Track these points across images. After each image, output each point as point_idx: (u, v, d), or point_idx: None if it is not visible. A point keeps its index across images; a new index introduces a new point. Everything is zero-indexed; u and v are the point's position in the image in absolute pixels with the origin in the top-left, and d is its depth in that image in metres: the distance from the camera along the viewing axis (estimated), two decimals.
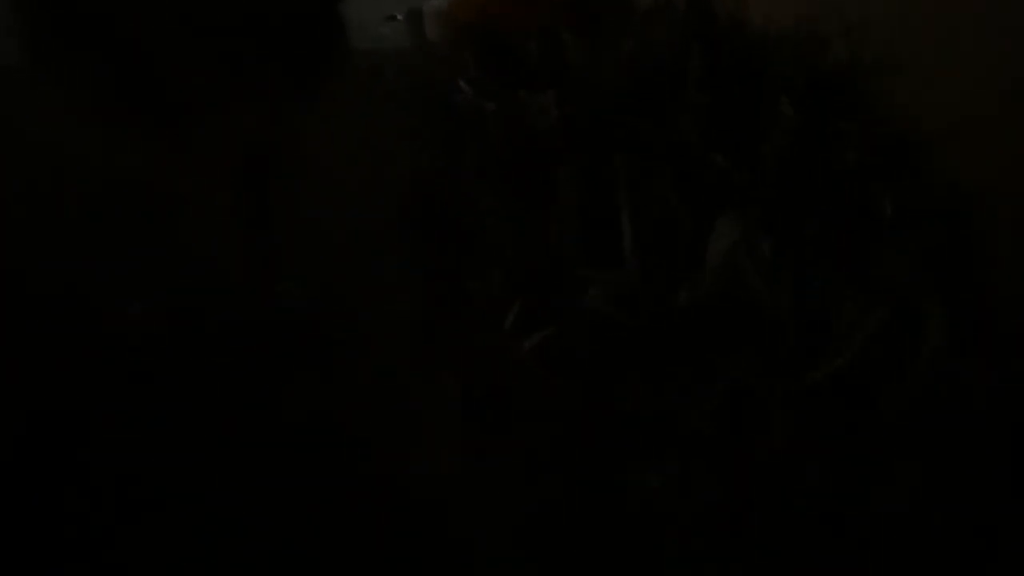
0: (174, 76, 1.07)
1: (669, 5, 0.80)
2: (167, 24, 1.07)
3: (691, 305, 0.65)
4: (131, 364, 1.08)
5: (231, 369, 1.10)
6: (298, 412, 1.10)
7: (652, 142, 0.69)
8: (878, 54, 0.78)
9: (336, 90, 1.22)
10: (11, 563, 0.93)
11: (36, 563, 0.92)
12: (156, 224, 1.15)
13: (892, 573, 0.67)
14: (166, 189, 1.12)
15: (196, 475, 1.03)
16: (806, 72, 0.73)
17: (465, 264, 0.78)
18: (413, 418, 0.87)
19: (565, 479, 0.73)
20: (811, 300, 0.65)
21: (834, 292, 0.65)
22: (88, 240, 1.16)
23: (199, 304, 1.16)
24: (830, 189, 0.67)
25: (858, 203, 0.67)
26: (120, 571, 0.92)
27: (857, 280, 0.65)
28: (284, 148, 1.18)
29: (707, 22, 0.77)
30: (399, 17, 1.77)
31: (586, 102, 0.73)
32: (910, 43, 0.94)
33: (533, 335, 0.70)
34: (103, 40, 1.07)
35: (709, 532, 0.69)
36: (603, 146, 0.71)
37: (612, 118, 0.71)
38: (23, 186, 1.19)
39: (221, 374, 1.10)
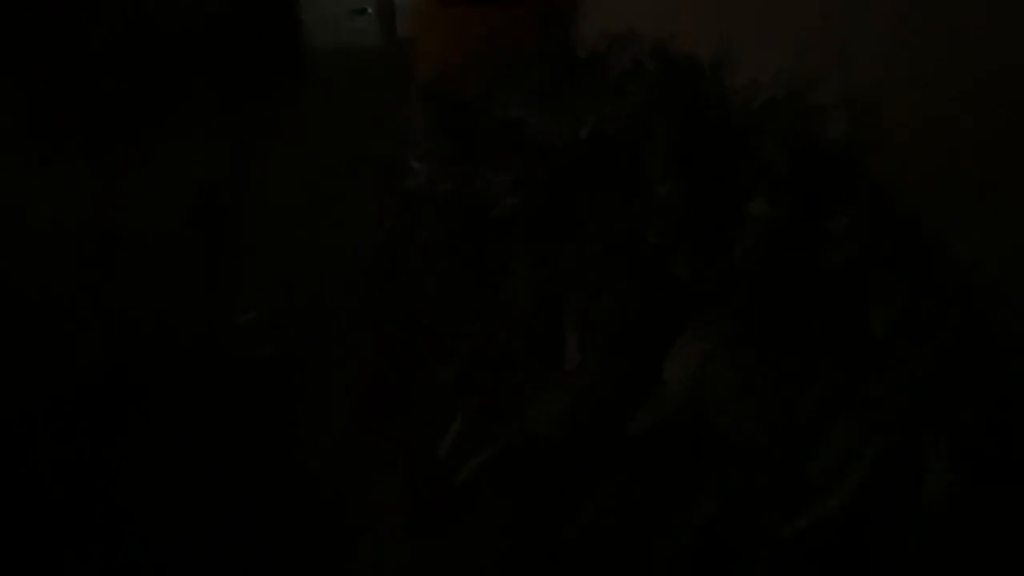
0: (116, 105, 1.00)
1: (641, 71, 0.70)
2: (105, 49, 1.00)
3: (648, 432, 0.56)
4: (78, 406, 1.04)
5: (183, 410, 1.06)
6: (250, 458, 1.04)
7: (609, 239, 0.60)
8: (886, 126, 0.69)
9: (294, 110, 1.16)
10: None
11: None
12: (103, 261, 1.09)
13: None
14: (113, 225, 1.06)
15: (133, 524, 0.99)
16: (794, 152, 0.63)
17: (414, 357, 0.70)
18: (360, 500, 0.80)
19: None
20: (790, 432, 0.56)
21: (818, 423, 0.55)
22: (34, 281, 1.10)
23: (148, 343, 1.11)
24: (815, 298, 0.58)
25: (848, 315, 0.58)
26: None
27: (846, 408, 0.56)
28: (237, 178, 1.11)
29: (681, 92, 0.67)
30: (369, 11, 1.66)
31: (542, 187, 0.64)
32: (926, 112, 0.85)
33: (473, 457, 0.61)
34: (37, 74, 1.02)
35: None
36: (556, 241, 0.62)
37: (567, 208, 0.62)
38: None
39: (172, 413, 1.06)
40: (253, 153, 1.06)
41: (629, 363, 0.57)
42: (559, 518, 0.59)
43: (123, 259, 1.06)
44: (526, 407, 0.59)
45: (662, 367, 0.56)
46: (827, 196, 0.62)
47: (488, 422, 0.61)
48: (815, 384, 0.56)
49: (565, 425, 0.57)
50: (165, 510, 0.93)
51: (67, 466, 0.99)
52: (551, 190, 0.64)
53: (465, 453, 0.62)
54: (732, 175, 0.61)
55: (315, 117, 1.17)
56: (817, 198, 0.61)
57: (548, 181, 0.65)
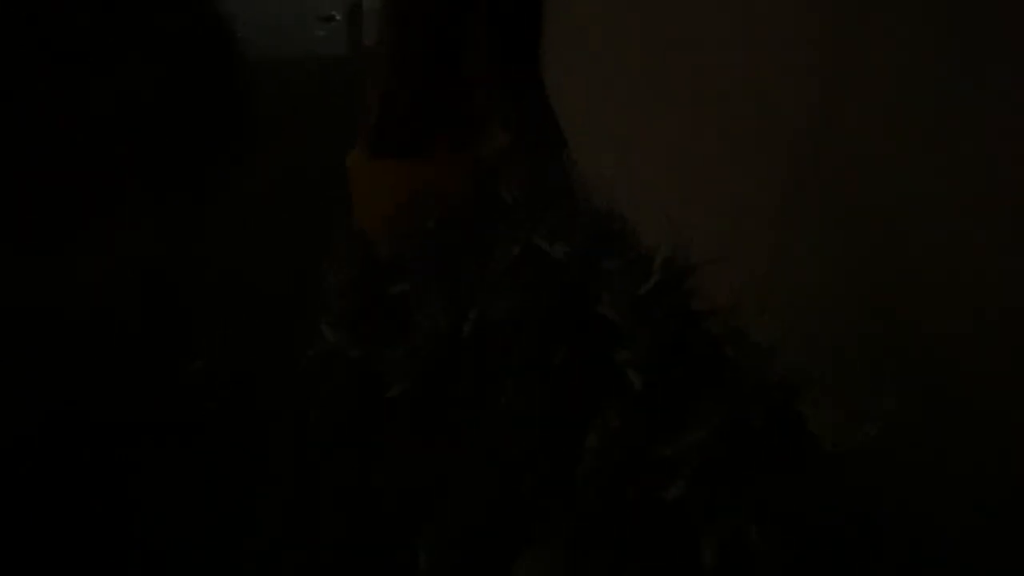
0: (41, 189, 1.02)
1: (532, 255, 0.74)
2: (40, 136, 1.02)
3: None
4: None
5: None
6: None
7: (464, 448, 0.64)
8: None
9: (243, 170, 1.17)
10: None
11: None
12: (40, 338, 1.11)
13: None
14: (54, 313, 1.09)
15: None
16: (655, 361, 0.67)
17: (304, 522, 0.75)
18: None
19: None
20: None
21: None
22: None
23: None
24: (652, 524, 0.61)
25: (682, 543, 0.61)
26: None
27: None
28: (184, 254, 1.14)
29: (563, 284, 0.70)
30: (337, 17, 1.62)
31: (423, 378, 0.68)
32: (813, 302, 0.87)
33: None
34: None
35: None
36: (422, 443, 0.66)
37: (438, 408, 0.66)
38: None
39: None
40: (187, 243, 1.08)
41: None
42: None
43: (63, 332, 1.08)
44: None
45: None
46: (682, 410, 0.65)
47: None
48: None
49: None
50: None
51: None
52: (429, 383, 0.68)
53: None
54: (588, 386, 0.65)
55: (253, 198, 1.19)
56: (670, 414, 0.65)
57: (429, 373, 0.69)
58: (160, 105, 1.06)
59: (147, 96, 1.04)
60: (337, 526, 0.68)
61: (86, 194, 1.06)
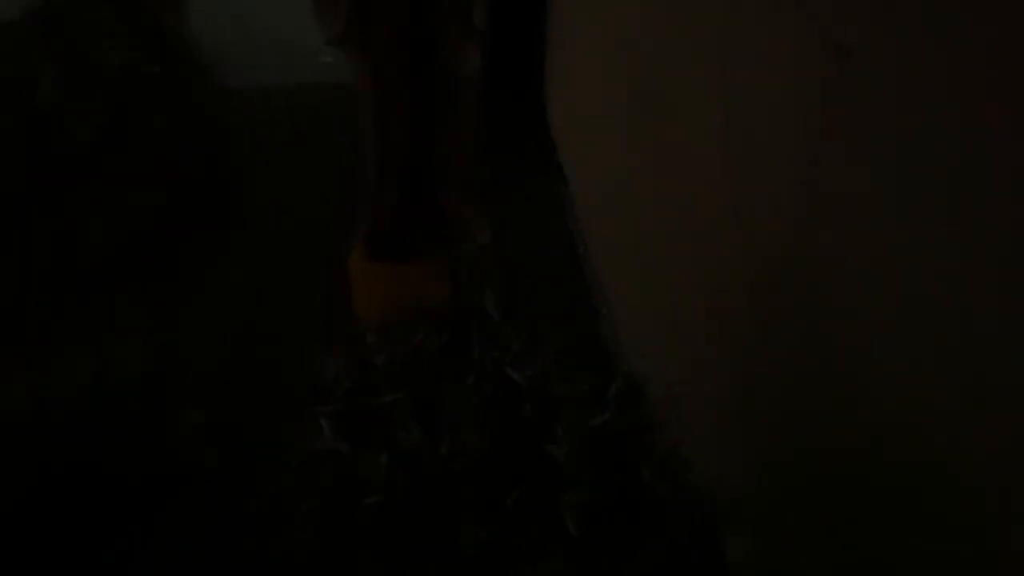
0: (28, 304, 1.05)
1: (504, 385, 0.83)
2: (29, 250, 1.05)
3: None
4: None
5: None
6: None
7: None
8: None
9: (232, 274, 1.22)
10: None
11: None
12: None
13: None
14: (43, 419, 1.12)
15: None
16: (597, 508, 0.77)
17: None
18: None
19: None
20: None
21: None
22: None
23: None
24: None
25: None
26: None
27: None
28: (175, 359, 1.19)
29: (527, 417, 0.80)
30: None
31: (400, 490, 0.78)
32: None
33: None
34: None
35: None
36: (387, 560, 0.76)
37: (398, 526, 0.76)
38: None
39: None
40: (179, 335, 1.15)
41: None
42: None
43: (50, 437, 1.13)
44: None
45: None
46: (616, 556, 0.76)
47: None
48: None
49: None
50: None
51: None
52: (402, 498, 0.79)
53: None
54: (536, 527, 0.76)
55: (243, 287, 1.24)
56: (603, 559, 0.76)
57: (404, 487, 0.79)
58: (154, 211, 1.09)
59: (141, 203, 1.08)
60: None
61: (73, 297, 1.08)
